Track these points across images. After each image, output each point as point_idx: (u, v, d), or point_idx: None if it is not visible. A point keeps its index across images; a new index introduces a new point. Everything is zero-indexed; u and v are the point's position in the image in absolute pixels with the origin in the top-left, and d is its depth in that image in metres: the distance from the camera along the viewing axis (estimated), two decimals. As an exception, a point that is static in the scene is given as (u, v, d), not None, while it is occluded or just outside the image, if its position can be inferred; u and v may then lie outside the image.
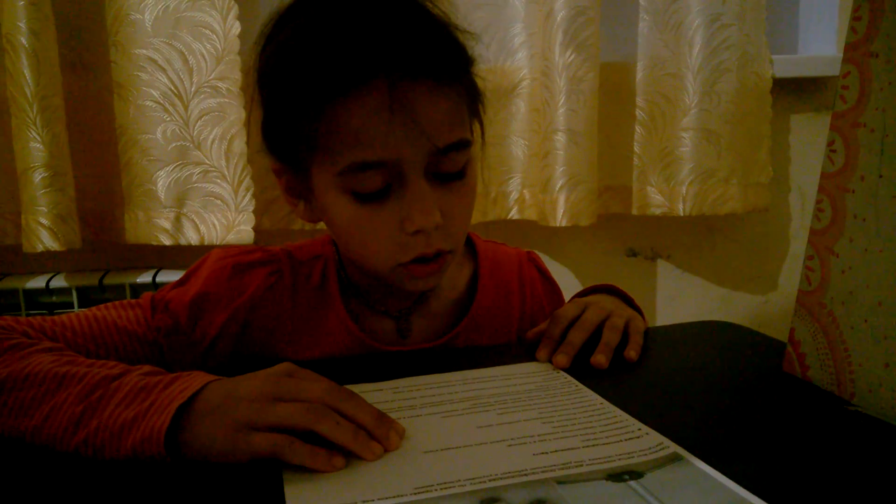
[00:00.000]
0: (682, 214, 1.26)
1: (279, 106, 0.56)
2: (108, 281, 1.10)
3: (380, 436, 0.43)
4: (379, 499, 0.37)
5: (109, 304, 0.61)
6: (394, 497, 0.38)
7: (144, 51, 1.05)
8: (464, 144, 0.56)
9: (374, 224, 0.55)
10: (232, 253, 0.64)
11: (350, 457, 0.42)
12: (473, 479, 0.39)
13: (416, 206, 0.53)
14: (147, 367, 0.47)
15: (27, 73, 0.98)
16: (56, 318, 0.58)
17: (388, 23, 0.52)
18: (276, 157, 0.60)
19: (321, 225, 0.64)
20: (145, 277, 1.11)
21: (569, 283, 1.35)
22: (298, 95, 0.53)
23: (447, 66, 0.54)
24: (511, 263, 0.73)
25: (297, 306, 0.64)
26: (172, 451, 0.42)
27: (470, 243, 0.72)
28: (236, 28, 1.06)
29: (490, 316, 0.69)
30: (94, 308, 0.60)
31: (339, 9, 0.53)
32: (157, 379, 0.45)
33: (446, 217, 0.55)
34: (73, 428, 0.43)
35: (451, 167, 0.56)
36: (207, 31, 1.05)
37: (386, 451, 0.43)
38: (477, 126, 0.61)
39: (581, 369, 0.57)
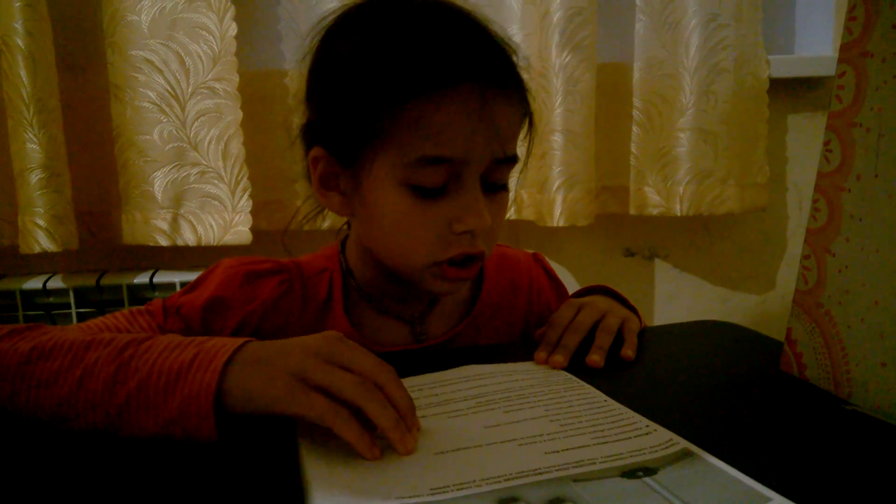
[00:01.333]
0: (679, 214, 1.26)
1: (353, 93, 0.56)
2: (105, 282, 1.10)
3: (408, 426, 0.43)
4: (397, 498, 0.37)
5: (118, 312, 0.61)
6: (410, 497, 0.37)
7: (141, 52, 1.05)
8: (517, 159, 0.59)
9: (424, 219, 0.56)
10: (243, 262, 0.65)
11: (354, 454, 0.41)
12: (489, 478, 0.39)
13: (470, 208, 0.56)
14: (171, 335, 0.47)
15: (23, 74, 0.98)
16: (66, 326, 0.57)
17: (474, 33, 0.56)
18: (321, 144, 0.60)
19: (316, 223, 0.64)
20: (143, 278, 1.10)
21: (567, 283, 1.33)
22: (386, 83, 0.54)
23: (521, 82, 0.58)
24: (519, 264, 0.75)
25: (303, 317, 0.65)
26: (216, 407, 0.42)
27: None
28: (233, 29, 1.06)
29: (494, 313, 0.70)
30: (102, 317, 0.60)
31: (423, 16, 0.55)
32: (189, 339, 0.45)
33: None
34: (110, 388, 0.43)
35: (499, 178, 0.58)
36: (204, 33, 1.05)
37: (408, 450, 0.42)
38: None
39: (578, 369, 0.57)
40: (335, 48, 0.58)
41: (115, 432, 0.44)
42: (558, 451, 0.42)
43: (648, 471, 0.39)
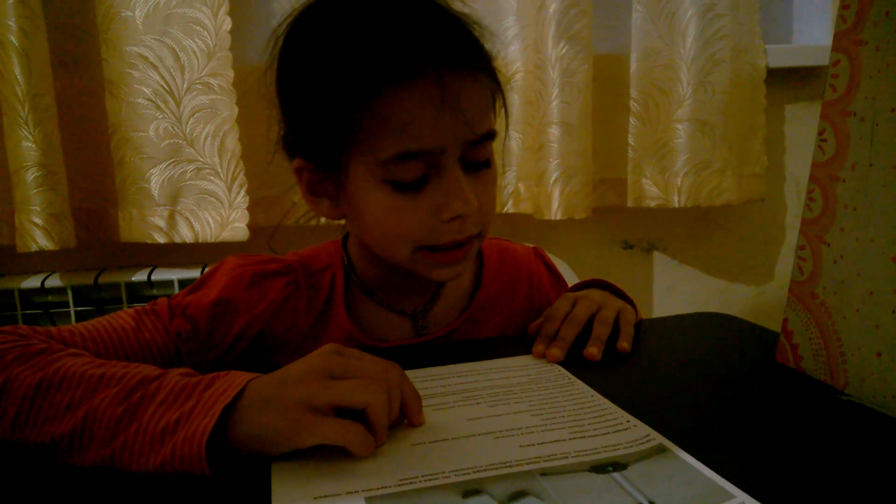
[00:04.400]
0: (677, 206, 1.26)
1: (316, 101, 0.56)
2: (103, 280, 1.10)
3: (410, 413, 0.45)
4: (363, 490, 0.38)
5: (123, 312, 0.61)
6: (378, 489, 0.38)
7: (136, 48, 1.04)
8: (493, 135, 0.58)
9: (409, 212, 0.56)
10: (248, 262, 0.65)
11: (335, 449, 0.41)
12: (458, 470, 0.39)
13: (454, 194, 0.55)
14: (183, 369, 0.46)
15: (18, 71, 0.98)
16: (73, 327, 0.56)
17: (425, 16, 0.54)
18: (301, 155, 0.60)
19: (310, 220, 0.64)
20: (140, 276, 1.10)
21: (566, 277, 1.34)
22: (342, 88, 0.54)
23: (481, 57, 0.57)
24: (520, 259, 0.75)
25: (308, 316, 0.65)
26: (212, 455, 0.40)
27: None
28: (227, 24, 1.05)
29: (493, 308, 0.70)
30: (108, 316, 0.59)
31: (371, 7, 0.54)
32: (196, 379, 0.44)
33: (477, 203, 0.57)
34: (112, 431, 0.42)
35: (479, 156, 0.58)
36: (198, 28, 1.05)
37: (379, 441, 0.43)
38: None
39: (575, 362, 0.57)
40: (291, 58, 0.58)
41: (112, 467, 0.42)
42: (533, 445, 0.42)
43: (618, 466, 0.39)
